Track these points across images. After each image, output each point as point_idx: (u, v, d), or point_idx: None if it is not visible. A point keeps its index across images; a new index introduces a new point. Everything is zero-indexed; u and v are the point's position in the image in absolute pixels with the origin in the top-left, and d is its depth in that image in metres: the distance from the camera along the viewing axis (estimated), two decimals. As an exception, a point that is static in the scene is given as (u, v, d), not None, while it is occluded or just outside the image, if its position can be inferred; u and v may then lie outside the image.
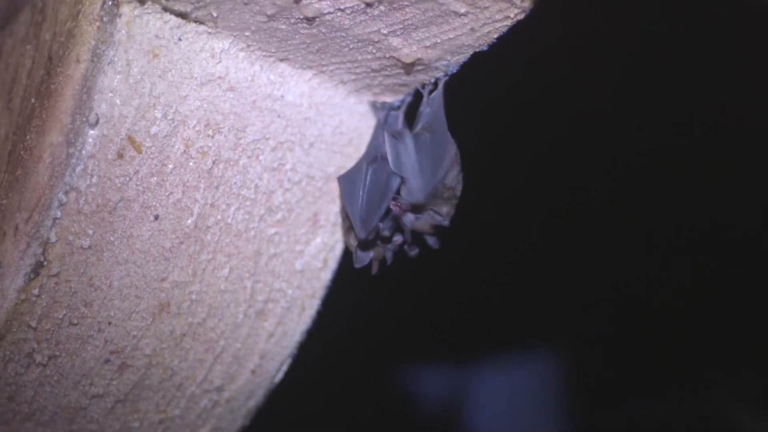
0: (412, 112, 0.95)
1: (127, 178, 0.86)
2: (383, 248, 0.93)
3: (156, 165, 0.87)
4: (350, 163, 0.95)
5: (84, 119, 0.83)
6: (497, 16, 0.81)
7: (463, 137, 0.92)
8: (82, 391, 0.92)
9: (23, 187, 0.85)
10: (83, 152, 0.84)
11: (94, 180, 0.85)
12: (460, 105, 0.94)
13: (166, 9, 0.84)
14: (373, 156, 0.92)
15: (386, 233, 0.90)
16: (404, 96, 0.96)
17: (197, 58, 0.88)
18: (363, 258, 0.92)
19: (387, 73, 0.91)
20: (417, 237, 0.93)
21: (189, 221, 0.90)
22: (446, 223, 0.90)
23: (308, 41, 0.87)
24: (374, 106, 0.96)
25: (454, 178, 0.90)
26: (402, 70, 0.90)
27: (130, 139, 0.85)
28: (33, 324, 0.86)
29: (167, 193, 0.88)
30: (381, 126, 0.95)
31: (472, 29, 0.83)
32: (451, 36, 0.84)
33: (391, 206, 0.89)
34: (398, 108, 0.96)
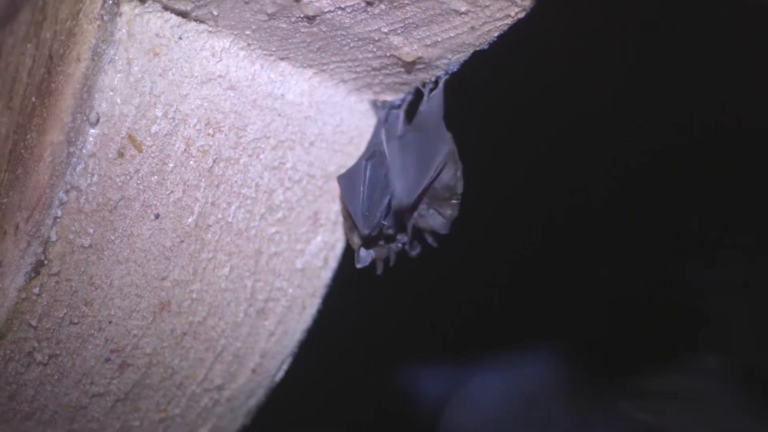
0: (412, 111, 0.95)
1: (128, 177, 0.86)
2: (387, 248, 0.93)
3: (156, 164, 0.87)
4: (351, 162, 0.95)
5: (85, 118, 0.83)
6: (498, 15, 0.81)
7: (463, 136, 0.92)
8: (82, 390, 0.92)
9: (24, 185, 0.85)
10: (84, 151, 0.84)
11: (95, 179, 0.85)
12: (460, 103, 0.94)
13: (166, 8, 0.85)
14: (372, 152, 0.92)
15: (390, 231, 0.90)
16: (405, 95, 0.96)
17: (198, 56, 0.88)
18: (365, 258, 0.92)
19: (388, 71, 0.91)
20: (417, 235, 0.93)
21: (190, 220, 0.90)
22: (446, 230, 0.90)
23: (309, 40, 0.87)
24: (375, 105, 0.96)
25: (452, 177, 0.90)
26: (403, 69, 0.90)
27: (131, 138, 0.85)
28: (33, 323, 0.86)
29: (168, 192, 0.89)
30: (381, 124, 0.95)
31: (473, 28, 0.83)
32: (451, 34, 0.84)
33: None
34: (399, 107, 0.96)
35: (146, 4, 0.83)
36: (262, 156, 0.93)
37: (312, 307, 1.00)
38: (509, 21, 0.82)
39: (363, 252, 0.92)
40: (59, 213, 0.84)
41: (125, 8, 0.83)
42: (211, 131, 0.89)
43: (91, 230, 0.85)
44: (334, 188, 0.97)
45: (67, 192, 0.84)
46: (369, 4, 0.81)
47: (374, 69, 0.91)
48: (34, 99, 0.88)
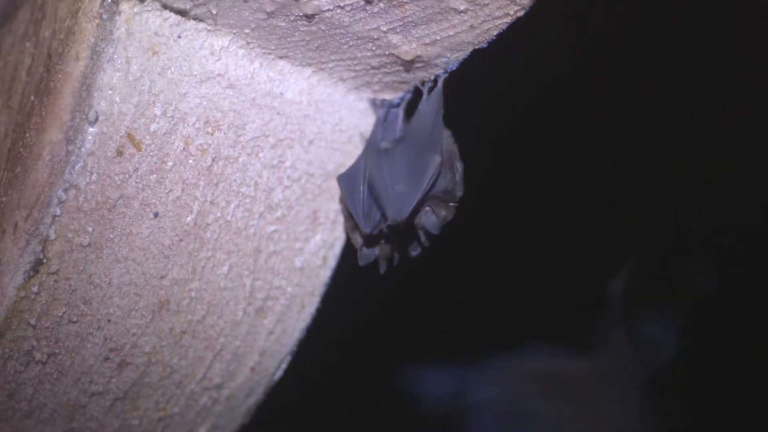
0: (411, 110, 0.95)
1: (127, 176, 0.86)
2: (389, 247, 0.92)
3: (155, 162, 0.87)
4: (350, 161, 0.95)
5: (83, 117, 0.83)
6: (497, 13, 0.81)
7: (463, 135, 0.92)
8: (81, 389, 0.92)
9: (23, 184, 0.85)
10: (83, 150, 0.84)
11: (94, 177, 0.85)
12: (459, 102, 0.94)
13: (165, 6, 0.85)
14: (371, 150, 0.92)
15: (390, 231, 0.90)
16: (404, 93, 0.96)
17: (197, 55, 0.88)
18: (368, 255, 0.92)
19: (387, 70, 0.91)
20: (415, 234, 0.93)
21: (188, 219, 0.90)
22: (436, 231, 0.89)
23: (308, 38, 0.87)
24: (374, 104, 0.96)
25: (450, 181, 0.89)
26: (401, 68, 0.90)
27: (130, 137, 0.85)
28: (32, 321, 0.86)
29: (167, 191, 0.89)
30: (380, 123, 0.95)
31: (472, 26, 0.83)
32: (450, 33, 0.84)
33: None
34: (398, 105, 0.96)
35: (145, 3, 0.83)
36: (261, 154, 0.93)
37: (311, 305, 1.00)
38: (508, 19, 0.82)
39: (365, 250, 0.92)
40: (58, 211, 0.84)
41: (124, 7, 0.83)
42: (210, 130, 0.89)
43: (90, 229, 0.85)
44: (333, 187, 0.97)
45: (66, 190, 0.84)
46: (368, 2, 0.81)
47: (373, 67, 0.91)
48: (32, 98, 0.88)
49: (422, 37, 0.85)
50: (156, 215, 0.88)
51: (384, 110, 0.96)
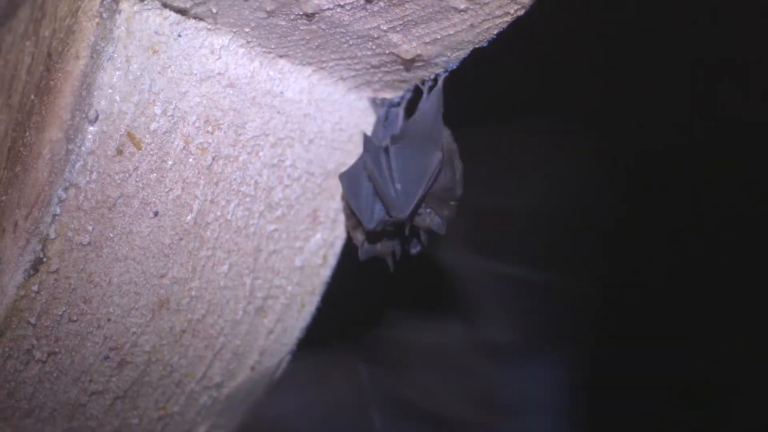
0: (412, 108, 0.95)
1: (127, 175, 0.86)
2: (391, 243, 0.92)
3: (155, 161, 0.87)
4: (350, 160, 0.95)
5: (83, 115, 0.83)
6: (497, 12, 0.81)
7: (463, 134, 0.92)
8: (81, 388, 0.92)
9: (22, 183, 0.85)
10: (83, 148, 0.84)
11: (94, 176, 0.85)
12: (460, 101, 0.94)
13: (165, 5, 0.84)
14: (372, 148, 0.92)
15: (391, 228, 0.90)
16: (404, 92, 0.96)
17: (197, 54, 0.88)
18: (369, 251, 0.92)
19: (387, 69, 0.91)
20: (416, 234, 0.93)
21: (188, 218, 0.90)
22: (442, 231, 0.90)
23: (308, 37, 0.87)
24: (374, 103, 0.96)
25: (450, 180, 0.89)
26: (402, 67, 0.90)
27: (130, 136, 0.85)
28: (32, 320, 0.86)
29: (167, 190, 0.88)
30: (381, 122, 0.95)
31: (472, 25, 0.83)
32: (450, 32, 0.84)
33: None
34: (398, 104, 0.96)
35: (145, 2, 0.83)
36: (261, 153, 0.93)
37: (311, 304, 1.00)
38: (508, 18, 0.82)
39: (367, 246, 0.92)
40: (58, 210, 0.84)
41: (124, 5, 0.83)
42: (210, 129, 0.89)
43: (90, 228, 0.85)
44: (333, 186, 0.97)
45: (66, 189, 0.83)
46: (368, 1, 0.81)
47: (373, 66, 0.91)
48: (32, 96, 0.88)
49: (422, 35, 0.85)
50: (156, 214, 0.88)
51: (384, 109, 0.96)
